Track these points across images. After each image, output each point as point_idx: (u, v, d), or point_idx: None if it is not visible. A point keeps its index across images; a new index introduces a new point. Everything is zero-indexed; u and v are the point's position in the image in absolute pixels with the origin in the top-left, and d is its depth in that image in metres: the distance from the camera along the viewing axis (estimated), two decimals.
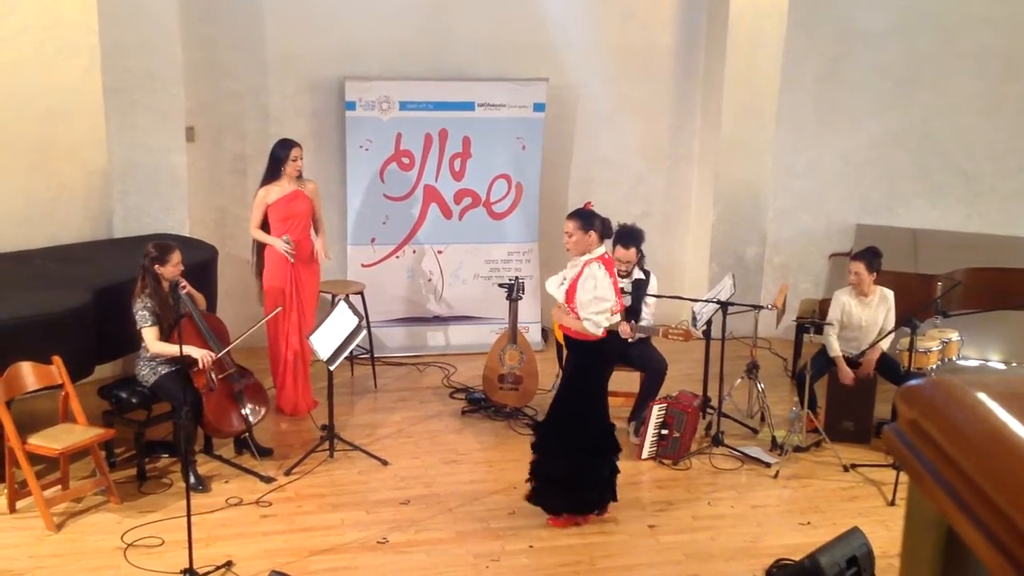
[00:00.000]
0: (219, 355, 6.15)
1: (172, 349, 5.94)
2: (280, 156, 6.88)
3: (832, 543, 4.88)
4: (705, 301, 6.99)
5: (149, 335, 5.99)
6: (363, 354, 7.99)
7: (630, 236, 6.80)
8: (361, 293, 7.83)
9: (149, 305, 5.98)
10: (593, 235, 5.51)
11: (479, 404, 7.41)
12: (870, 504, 6.15)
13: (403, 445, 6.83)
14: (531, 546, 5.53)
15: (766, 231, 9.15)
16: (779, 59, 8.74)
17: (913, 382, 1.48)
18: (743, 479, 6.46)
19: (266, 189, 6.93)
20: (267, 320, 6.93)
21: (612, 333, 5.57)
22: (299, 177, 6.95)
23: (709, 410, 7.09)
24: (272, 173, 6.92)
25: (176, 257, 6.05)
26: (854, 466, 6.55)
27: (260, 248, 7.05)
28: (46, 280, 6.61)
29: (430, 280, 8.59)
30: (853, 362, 6.92)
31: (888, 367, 6.93)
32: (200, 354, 6.00)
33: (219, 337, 6.28)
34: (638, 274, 6.93)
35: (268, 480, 6.18)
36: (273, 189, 6.91)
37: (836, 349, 6.93)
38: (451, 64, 8.49)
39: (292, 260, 6.87)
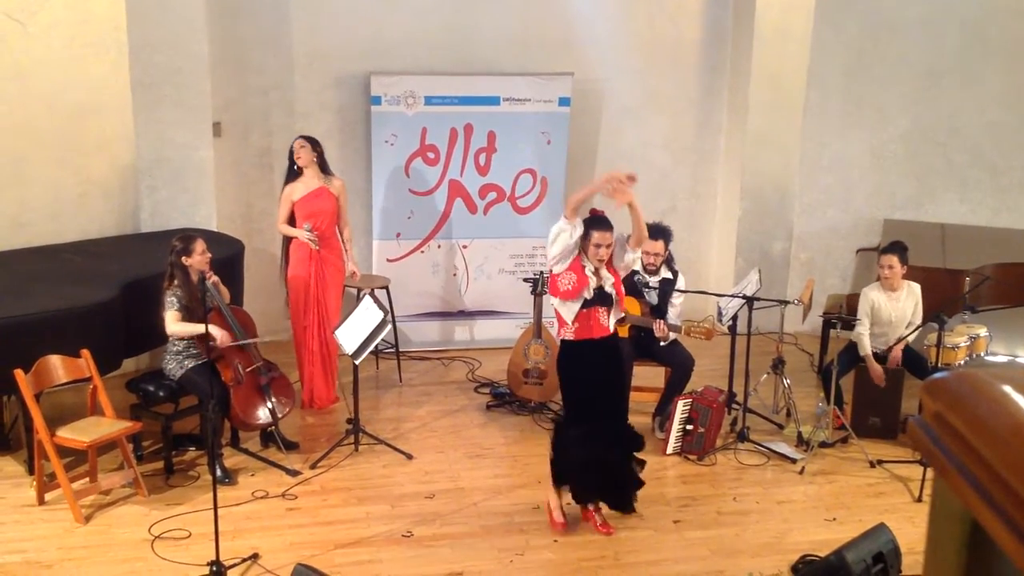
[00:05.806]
0: (240, 342, 6.18)
1: (189, 328, 6.00)
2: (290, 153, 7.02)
3: (858, 539, 4.86)
4: (731, 296, 6.96)
5: (169, 316, 6.03)
6: (388, 348, 8.03)
7: (657, 230, 6.79)
8: (386, 287, 7.86)
9: (180, 295, 6.04)
10: None
11: (504, 399, 7.42)
12: (897, 500, 6.11)
13: (428, 439, 6.85)
14: (555, 540, 5.54)
15: (792, 226, 9.10)
16: (806, 53, 8.68)
17: (938, 375, 1.46)
18: (768, 475, 6.43)
19: (291, 186, 7.00)
20: (291, 315, 7.09)
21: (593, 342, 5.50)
22: (324, 173, 7.00)
23: (734, 406, 7.06)
24: (291, 169, 7.01)
25: (200, 246, 6.09)
26: (881, 462, 6.51)
27: (286, 247, 7.11)
28: (74, 274, 6.68)
29: (455, 275, 8.60)
30: (882, 357, 6.88)
31: (915, 362, 6.87)
32: (218, 333, 5.99)
33: (246, 329, 6.32)
34: (665, 273, 6.90)
35: (294, 473, 6.22)
36: (298, 186, 6.98)
37: (867, 347, 6.86)
38: (476, 59, 8.50)
39: (315, 247, 6.91)
